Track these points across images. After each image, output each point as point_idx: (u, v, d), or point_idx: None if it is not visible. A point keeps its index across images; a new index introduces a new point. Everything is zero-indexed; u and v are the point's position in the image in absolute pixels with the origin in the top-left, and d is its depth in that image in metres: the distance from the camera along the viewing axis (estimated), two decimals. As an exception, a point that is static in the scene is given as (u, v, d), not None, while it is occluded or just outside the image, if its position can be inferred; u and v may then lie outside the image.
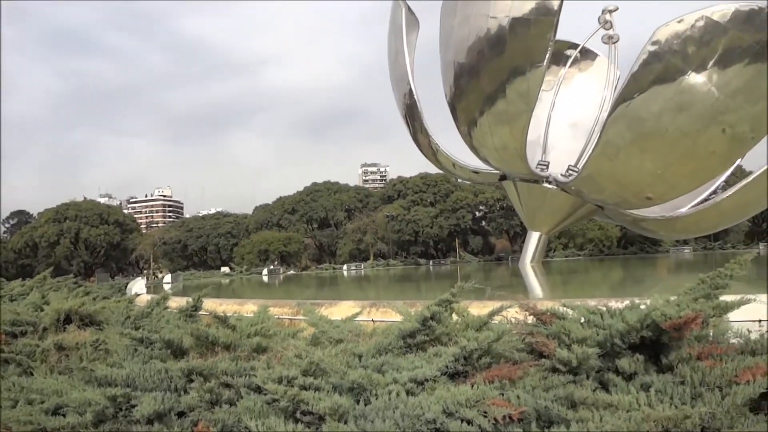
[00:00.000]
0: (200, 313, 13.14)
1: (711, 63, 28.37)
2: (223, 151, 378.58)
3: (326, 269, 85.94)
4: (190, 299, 13.22)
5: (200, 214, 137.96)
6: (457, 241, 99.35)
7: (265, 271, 76.24)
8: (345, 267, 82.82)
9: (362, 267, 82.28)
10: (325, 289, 39.30)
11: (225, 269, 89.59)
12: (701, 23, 28.08)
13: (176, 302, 16.85)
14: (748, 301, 6.99)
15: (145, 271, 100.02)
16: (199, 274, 79.21)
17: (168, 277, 65.08)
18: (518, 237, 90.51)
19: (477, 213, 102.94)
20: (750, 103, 29.08)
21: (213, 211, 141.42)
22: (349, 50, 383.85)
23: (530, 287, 30.40)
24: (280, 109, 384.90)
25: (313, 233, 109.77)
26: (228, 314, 10.77)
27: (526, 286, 31.24)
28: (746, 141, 31.29)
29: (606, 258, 77.98)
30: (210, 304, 16.05)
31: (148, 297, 22.15)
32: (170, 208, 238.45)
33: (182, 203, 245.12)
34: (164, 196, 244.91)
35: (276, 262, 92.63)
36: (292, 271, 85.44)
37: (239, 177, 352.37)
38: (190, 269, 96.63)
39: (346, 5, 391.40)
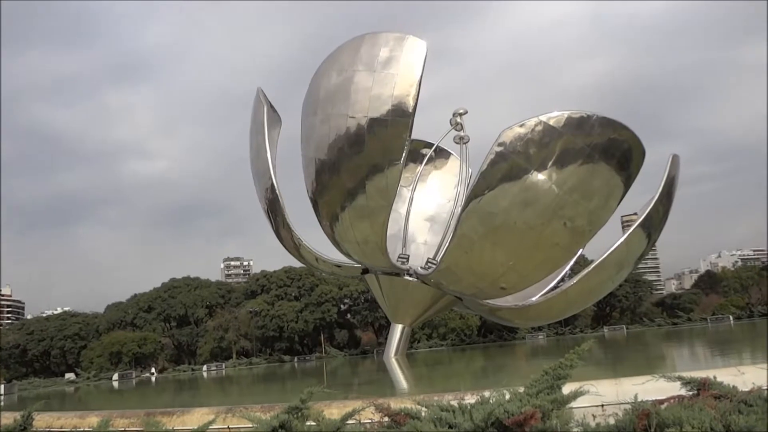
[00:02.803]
0: (32, 431, 11.83)
1: (550, 163, 30.93)
2: (72, 245, 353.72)
3: (185, 370, 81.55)
4: (19, 415, 11.88)
5: (44, 315, 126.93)
6: (322, 335, 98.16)
7: (115, 376, 71.07)
8: (205, 368, 79.02)
9: (223, 367, 78.84)
10: (182, 394, 37.00)
11: (70, 375, 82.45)
12: (540, 127, 30.77)
13: (5, 419, 15.07)
14: (584, 393, 7.35)
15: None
16: (40, 382, 72.36)
17: (0, 388, 58.72)
18: (383, 329, 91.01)
19: (342, 306, 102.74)
20: (585, 200, 31.84)
21: (59, 310, 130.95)
22: (211, 142, 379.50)
23: (395, 381, 30.41)
24: (137, 201, 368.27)
25: (172, 332, 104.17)
26: (65, 430, 9.78)
27: (391, 381, 31.23)
28: (585, 233, 34.03)
29: (468, 347, 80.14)
30: (45, 419, 14.54)
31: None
32: (9, 309, 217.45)
33: (23, 303, 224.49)
34: (2, 295, 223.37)
35: (154, 367, 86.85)
36: (146, 375, 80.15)
37: (90, 273, 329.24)
38: (29, 377, 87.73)
39: (206, 96, 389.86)
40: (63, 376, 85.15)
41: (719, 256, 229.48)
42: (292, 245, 41.71)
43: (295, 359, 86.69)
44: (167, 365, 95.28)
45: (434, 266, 37.51)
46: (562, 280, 43.29)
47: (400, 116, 32.20)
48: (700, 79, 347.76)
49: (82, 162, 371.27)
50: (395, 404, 7.73)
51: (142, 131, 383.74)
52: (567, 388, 8.36)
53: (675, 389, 8.53)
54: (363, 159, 33.42)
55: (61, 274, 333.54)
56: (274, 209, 40.28)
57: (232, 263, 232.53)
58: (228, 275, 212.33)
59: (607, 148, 31.08)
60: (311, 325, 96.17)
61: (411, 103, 32.04)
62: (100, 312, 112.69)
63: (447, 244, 36.56)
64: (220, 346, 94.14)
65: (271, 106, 41.04)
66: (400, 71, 32.69)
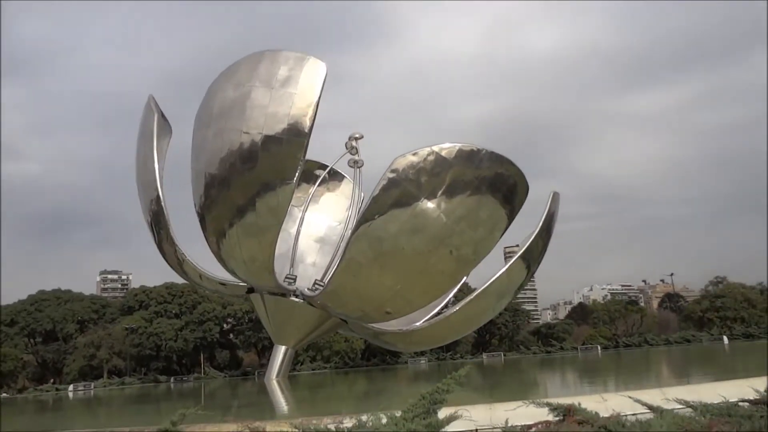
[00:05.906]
0: None
1: (440, 192, 31.79)
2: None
3: (48, 390, 76.19)
4: None
5: None
6: (202, 355, 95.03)
7: (-33, 396, 65.22)
8: (71, 387, 74.08)
9: (92, 387, 74.28)
10: (44, 416, 34.54)
11: None
12: (432, 157, 31.60)
13: None
14: (458, 417, 7.53)
15: None
16: None
17: None
18: (267, 350, 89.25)
19: (225, 325, 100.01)
20: (471, 229, 32.93)
21: None
22: (90, 148, 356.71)
23: (276, 404, 29.84)
24: (2, 205, 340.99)
25: (36, 348, 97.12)
26: None
27: (271, 404, 30.60)
28: (469, 262, 35.14)
29: (351, 370, 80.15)
30: None
31: None
32: None
33: None
34: None
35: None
36: (4, 394, 74.21)
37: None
38: None
39: (89, 99, 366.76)
40: None
41: (591, 289, 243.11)
42: (175, 260, 40.25)
43: (172, 380, 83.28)
44: (28, 384, 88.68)
45: (321, 288, 37.35)
46: (446, 306, 44.32)
47: (296, 136, 32.08)
48: (581, 124, 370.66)
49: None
50: (271, 427, 7.60)
51: (14, 129, 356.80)
52: (443, 413, 8.54)
53: (543, 414, 8.92)
54: (255, 176, 32.95)
55: None
56: (158, 222, 38.78)
57: (110, 276, 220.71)
58: (104, 289, 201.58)
59: (494, 182, 32.40)
60: (191, 344, 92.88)
61: (308, 123, 32.02)
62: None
63: (335, 267, 36.57)
64: (90, 365, 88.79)
65: (162, 115, 39.70)
66: (298, 90, 32.63)
